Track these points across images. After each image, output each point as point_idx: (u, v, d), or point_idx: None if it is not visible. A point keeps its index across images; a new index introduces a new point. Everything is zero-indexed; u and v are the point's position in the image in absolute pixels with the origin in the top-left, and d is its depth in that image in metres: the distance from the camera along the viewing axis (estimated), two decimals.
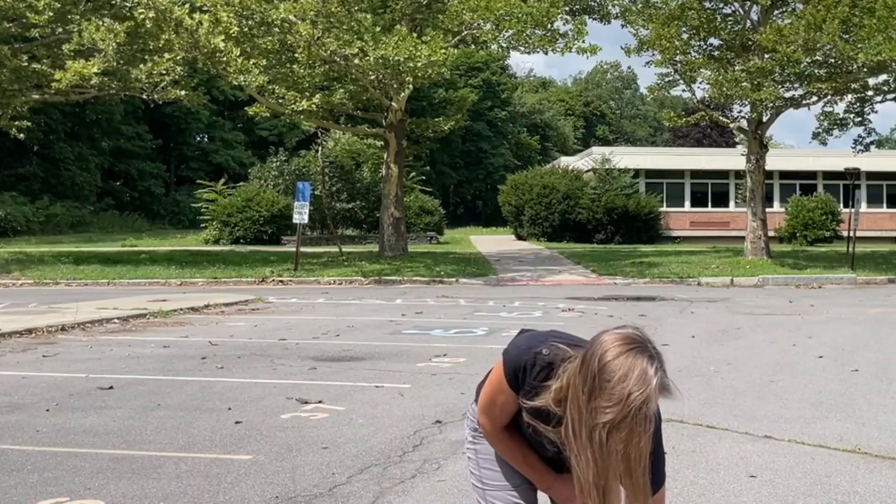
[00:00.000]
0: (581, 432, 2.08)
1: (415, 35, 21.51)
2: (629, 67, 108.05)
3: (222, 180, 38.74)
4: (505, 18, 21.58)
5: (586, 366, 2.08)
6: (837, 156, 34.65)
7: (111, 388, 8.03)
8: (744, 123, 26.40)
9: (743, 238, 26.62)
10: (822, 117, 28.26)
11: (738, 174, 32.00)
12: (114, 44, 20.40)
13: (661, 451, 2.30)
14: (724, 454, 5.86)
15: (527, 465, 2.58)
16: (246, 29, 20.88)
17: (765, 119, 25.41)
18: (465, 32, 23.16)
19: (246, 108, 27.93)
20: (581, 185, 36.41)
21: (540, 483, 2.61)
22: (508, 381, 2.43)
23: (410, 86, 23.18)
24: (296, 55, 21.75)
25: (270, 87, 22.94)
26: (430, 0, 23.82)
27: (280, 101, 23.41)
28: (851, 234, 24.90)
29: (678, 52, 23.87)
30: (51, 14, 21.14)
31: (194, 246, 31.76)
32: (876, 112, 27.55)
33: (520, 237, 38.73)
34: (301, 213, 22.14)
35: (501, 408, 2.51)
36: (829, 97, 24.72)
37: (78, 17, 21.60)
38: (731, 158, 34.93)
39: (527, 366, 2.36)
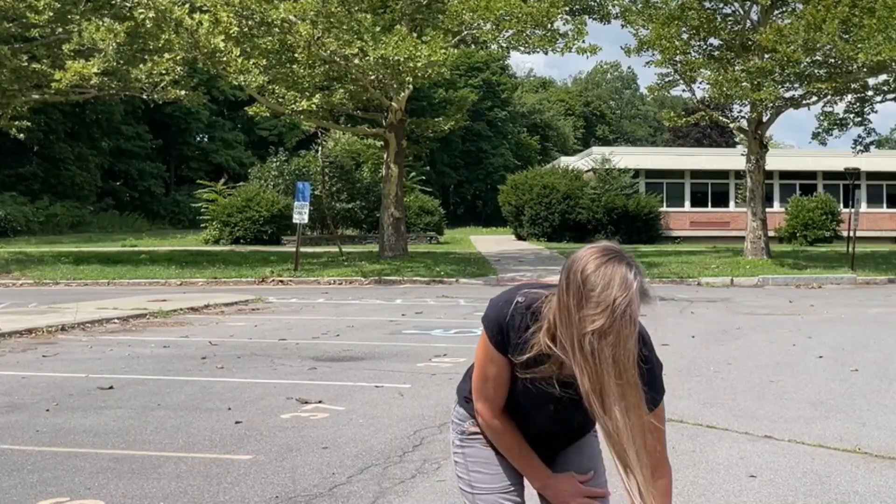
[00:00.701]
0: (573, 344, 2.17)
1: (415, 35, 21.51)
2: (629, 67, 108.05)
3: (222, 180, 38.72)
4: (505, 18, 21.58)
5: (571, 281, 2.18)
6: (837, 156, 34.64)
7: (111, 388, 8.03)
8: (744, 123, 26.39)
9: (743, 238, 26.62)
10: (822, 117, 28.26)
11: (738, 174, 31.99)
12: (114, 44, 20.40)
13: (656, 364, 2.40)
14: (724, 454, 5.86)
15: (522, 459, 2.55)
16: (246, 29, 20.88)
17: (765, 119, 25.41)
18: (465, 32, 23.16)
19: (246, 108, 27.92)
20: (581, 185, 36.41)
21: (535, 480, 2.58)
22: (495, 343, 2.39)
23: (410, 86, 23.18)
24: (296, 55, 21.75)
25: (270, 87, 22.93)
26: (430, 0, 23.82)
27: (280, 101, 23.41)
28: (851, 234, 24.90)
29: (678, 52, 23.87)
30: (51, 14, 21.14)
31: (194, 246, 31.75)
32: (876, 112, 27.56)
33: (520, 237, 38.73)
34: (301, 213, 22.14)
35: (495, 381, 2.46)
36: (829, 97, 24.72)
37: (78, 17, 21.60)
38: (731, 158, 34.93)
39: (508, 318, 2.37)
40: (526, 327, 2.34)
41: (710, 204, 39.31)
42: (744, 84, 22.45)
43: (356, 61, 20.74)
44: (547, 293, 2.34)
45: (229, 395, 7.73)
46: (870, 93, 25.94)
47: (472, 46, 32.18)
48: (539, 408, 2.50)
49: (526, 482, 2.67)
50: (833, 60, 21.99)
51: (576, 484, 2.55)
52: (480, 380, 2.51)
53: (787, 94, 24.12)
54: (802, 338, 11.46)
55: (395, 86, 22.88)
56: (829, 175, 38.37)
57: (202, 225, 36.25)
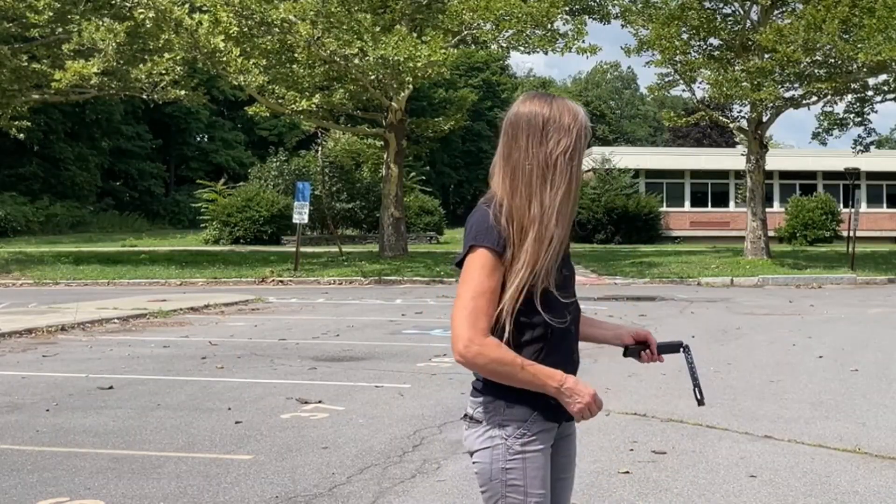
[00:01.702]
0: (544, 175, 2.53)
1: (415, 35, 21.52)
2: (629, 67, 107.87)
3: (222, 180, 38.68)
4: (505, 18, 21.58)
5: (532, 126, 2.54)
6: (837, 156, 34.63)
7: (111, 388, 8.04)
8: (744, 123, 26.39)
9: (743, 238, 26.62)
10: (822, 117, 28.27)
11: (738, 174, 31.99)
12: (114, 44, 20.39)
13: None
14: (724, 454, 5.86)
15: (529, 367, 2.45)
16: (246, 29, 20.88)
17: (765, 119, 25.40)
18: (465, 32, 23.16)
19: (246, 108, 27.92)
20: (581, 185, 36.35)
21: (551, 381, 2.45)
22: (497, 246, 2.45)
23: (410, 86, 23.18)
24: (296, 55, 21.76)
25: (270, 87, 22.93)
26: (430, 0, 23.82)
27: (280, 101, 23.40)
28: (851, 234, 24.90)
29: (678, 52, 23.87)
30: (51, 14, 21.13)
31: (194, 246, 31.75)
32: (876, 112, 27.56)
33: None
34: (301, 213, 22.14)
35: (493, 294, 2.45)
36: (829, 97, 24.72)
37: (78, 17, 21.59)
38: (731, 158, 34.92)
39: (495, 222, 2.48)
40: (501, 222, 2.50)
41: (710, 204, 39.30)
42: (744, 84, 22.45)
43: (356, 61, 20.75)
44: (489, 196, 2.58)
45: (229, 395, 7.73)
46: (870, 93, 25.94)
47: (472, 46, 32.21)
48: (567, 288, 2.58)
49: None
50: (833, 60, 21.99)
51: (592, 392, 2.49)
52: (472, 299, 2.45)
53: (787, 94, 24.12)
54: (802, 338, 11.46)
55: (394, 86, 22.88)
56: (829, 175, 38.36)
57: (202, 225, 36.23)
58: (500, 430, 2.50)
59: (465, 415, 2.59)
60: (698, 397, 2.76)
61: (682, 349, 2.79)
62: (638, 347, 2.77)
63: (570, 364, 2.56)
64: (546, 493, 2.52)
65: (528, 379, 2.45)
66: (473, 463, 2.54)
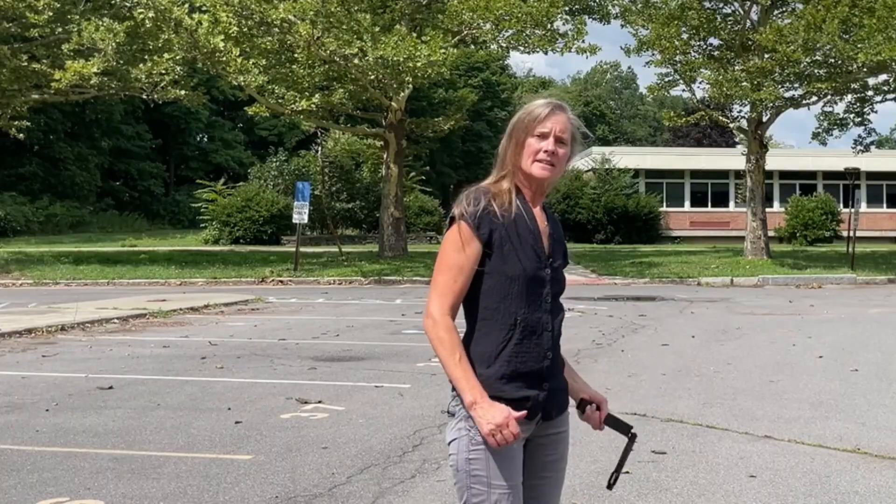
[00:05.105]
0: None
1: (414, 35, 21.52)
2: (629, 67, 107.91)
3: (222, 180, 38.67)
4: (505, 18, 21.59)
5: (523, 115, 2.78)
6: (837, 156, 34.64)
7: (111, 388, 8.03)
8: (744, 123, 26.39)
9: (743, 238, 26.63)
10: (822, 117, 28.27)
11: (738, 174, 31.99)
12: (113, 44, 20.40)
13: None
14: (724, 454, 5.86)
15: (463, 363, 2.50)
16: (245, 29, 20.89)
17: (765, 119, 25.40)
18: (465, 32, 23.17)
19: (246, 108, 27.92)
20: (581, 185, 36.40)
21: (469, 391, 2.48)
22: (478, 226, 2.51)
23: (410, 86, 23.19)
24: (295, 55, 21.77)
25: (270, 87, 22.94)
26: (429, 0, 23.82)
27: (280, 101, 23.41)
28: (851, 234, 24.90)
29: (678, 52, 23.88)
30: (50, 14, 21.14)
31: (194, 246, 31.74)
32: (876, 112, 27.60)
33: None
34: (301, 213, 22.14)
35: (461, 271, 2.54)
36: (829, 97, 24.74)
37: (78, 16, 21.60)
38: (731, 158, 34.93)
39: (485, 205, 2.54)
40: (488, 203, 2.56)
41: (709, 204, 39.31)
42: (744, 84, 22.45)
43: (356, 61, 20.75)
44: (488, 182, 2.64)
45: (229, 395, 7.73)
46: (870, 93, 25.95)
47: (472, 46, 32.15)
48: (541, 279, 2.60)
49: None
50: (833, 60, 22.01)
51: (507, 414, 2.45)
52: (438, 273, 2.60)
53: (787, 94, 24.13)
54: (802, 338, 11.46)
55: (394, 86, 22.87)
56: (829, 175, 38.37)
57: (202, 225, 36.22)
58: (465, 423, 2.55)
59: (447, 410, 2.66)
60: (611, 481, 2.78)
61: (629, 434, 2.76)
62: (589, 404, 2.75)
63: (539, 355, 2.58)
64: (513, 485, 2.53)
65: (456, 376, 2.52)
66: (448, 455, 2.60)
